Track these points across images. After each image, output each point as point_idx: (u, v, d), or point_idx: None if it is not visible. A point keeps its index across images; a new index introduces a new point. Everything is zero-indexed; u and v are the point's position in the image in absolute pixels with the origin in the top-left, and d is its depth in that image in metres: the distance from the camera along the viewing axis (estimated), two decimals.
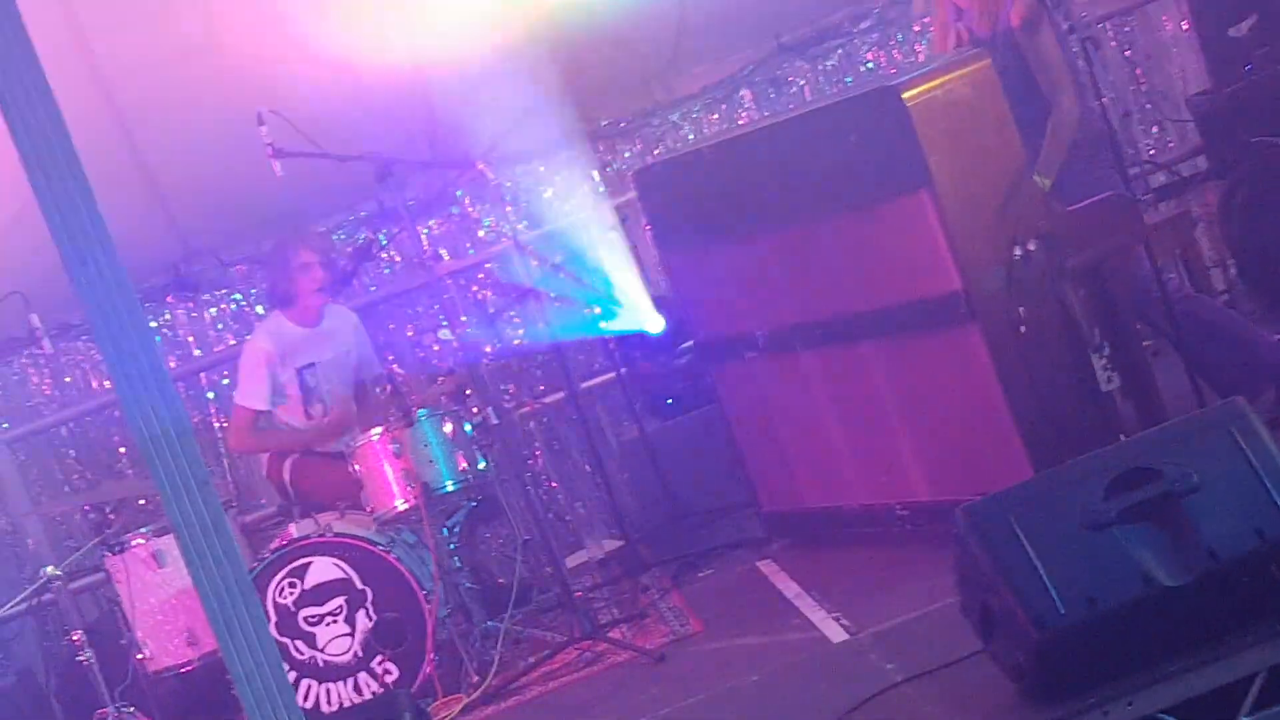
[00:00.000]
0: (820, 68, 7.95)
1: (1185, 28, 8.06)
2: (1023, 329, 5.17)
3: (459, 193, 7.68)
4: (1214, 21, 7.56)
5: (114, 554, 6.23)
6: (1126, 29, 8.21)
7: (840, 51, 7.96)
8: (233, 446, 6.90)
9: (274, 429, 6.62)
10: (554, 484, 7.76)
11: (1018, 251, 5.17)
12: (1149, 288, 5.65)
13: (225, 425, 7.49)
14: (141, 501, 7.27)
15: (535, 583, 6.62)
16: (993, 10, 5.61)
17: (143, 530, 6.33)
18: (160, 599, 6.20)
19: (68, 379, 7.72)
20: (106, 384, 7.44)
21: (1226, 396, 4.70)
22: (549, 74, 6.94)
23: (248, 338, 6.88)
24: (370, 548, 6.00)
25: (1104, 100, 5.69)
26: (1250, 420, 4.03)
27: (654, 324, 6.87)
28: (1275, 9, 7.44)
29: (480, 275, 7.63)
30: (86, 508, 6.47)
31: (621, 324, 6.76)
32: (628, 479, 7.48)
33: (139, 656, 6.20)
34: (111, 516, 6.44)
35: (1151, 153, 8.08)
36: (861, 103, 5.53)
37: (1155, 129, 8.20)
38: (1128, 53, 8.23)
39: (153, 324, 7.56)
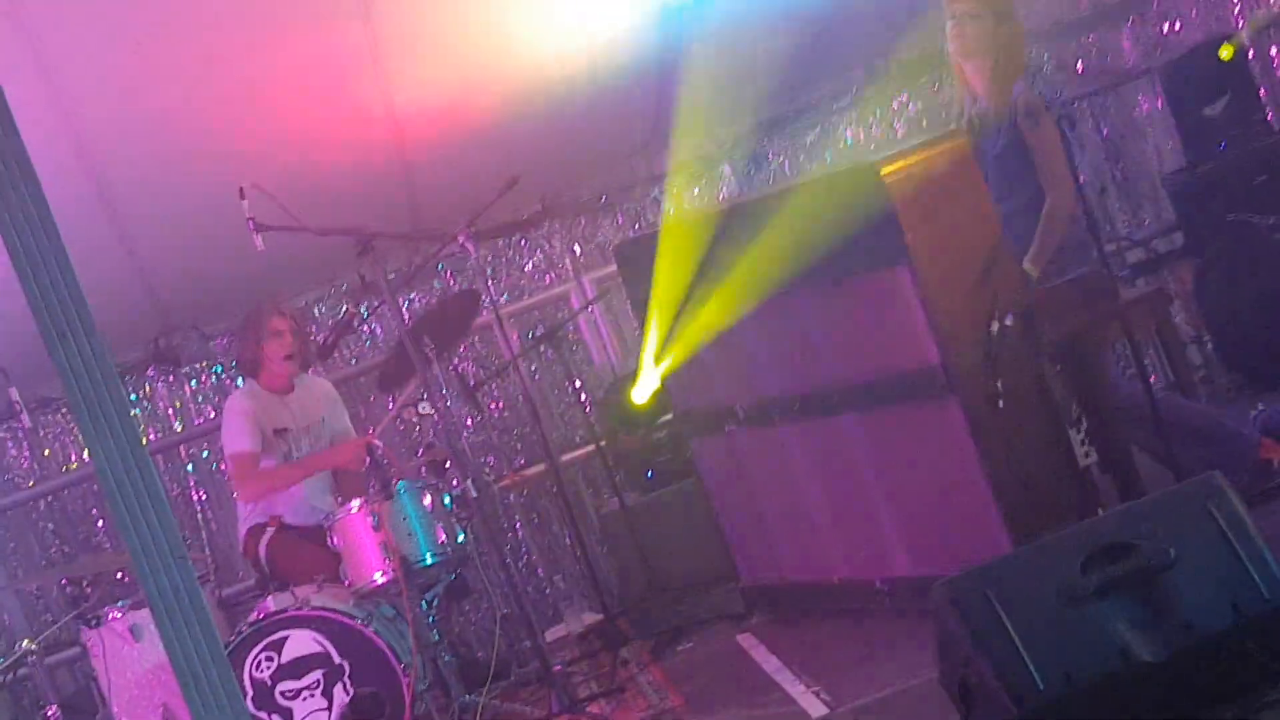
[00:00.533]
0: (800, 144, 8.03)
1: (1160, 106, 8.16)
2: (1001, 403, 5.18)
3: (440, 266, 7.72)
4: (1188, 100, 7.66)
5: (90, 628, 6.19)
6: (1102, 107, 8.31)
7: (819, 129, 8.04)
8: (245, 497, 6.72)
9: (272, 469, 6.60)
10: (533, 557, 7.75)
11: (995, 326, 5.19)
12: (1119, 385, 5.70)
13: (211, 492, 7.50)
14: (119, 575, 7.25)
15: (514, 656, 6.59)
16: (1002, 98, 5.66)
17: (119, 604, 6.29)
18: (136, 674, 6.14)
19: (46, 452, 7.72)
20: (85, 457, 7.43)
21: None
22: (530, 147, 7.00)
23: (227, 400, 6.89)
24: (348, 621, 5.96)
25: (1081, 178, 5.76)
26: (1226, 495, 4.04)
27: (638, 393, 6.91)
28: (1247, 88, 7.55)
29: (461, 348, 7.65)
30: (64, 581, 6.44)
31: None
32: (607, 552, 7.48)
33: None
34: (88, 590, 6.41)
35: (1127, 229, 8.15)
36: (842, 177, 5.58)
37: (1131, 206, 8.29)
38: (1104, 131, 8.32)
39: (132, 397, 7.57)
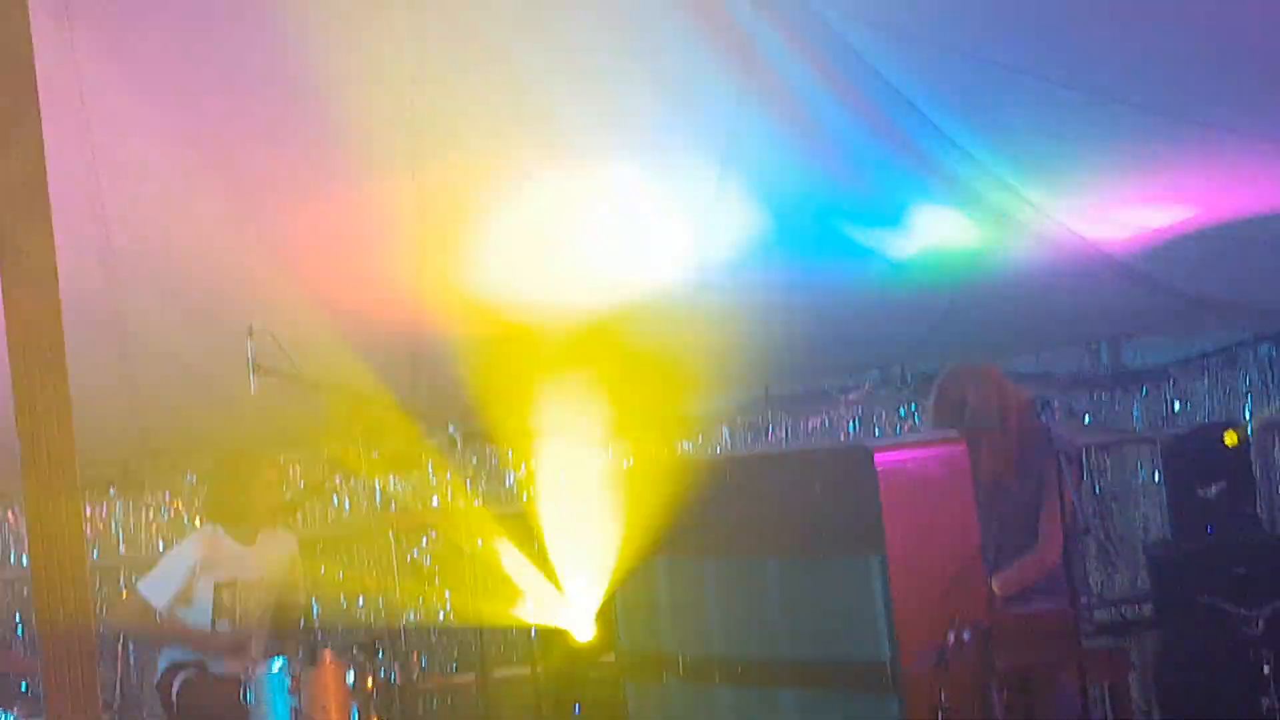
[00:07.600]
0: (802, 425, 8.08)
1: (1155, 477, 8.23)
2: (941, 716, 5.10)
3: (423, 456, 7.69)
4: (1184, 477, 7.71)
5: None
6: (1100, 465, 8.38)
7: (825, 414, 8.11)
8: (112, 621, 6.75)
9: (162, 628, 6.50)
10: None
11: (952, 638, 5.14)
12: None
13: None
14: (22, 684, 7.08)
15: None
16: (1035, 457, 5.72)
17: (13, 712, 6.15)
18: None
19: None
20: (25, 560, 7.31)
21: None
22: (538, 363, 7.02)
23: (180, 541, 6.81)
24: None
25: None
26: None
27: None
28: (1244, 479, 7.61)
29: (424, 538, 7.60)
30: None
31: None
32: None
33: None
34: None
35: (1099, 588, 8.13)
36: (835, 456, 5.61)
37: (1107, 566, 8.28)
38: (1097, 488, 8.37)
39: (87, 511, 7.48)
